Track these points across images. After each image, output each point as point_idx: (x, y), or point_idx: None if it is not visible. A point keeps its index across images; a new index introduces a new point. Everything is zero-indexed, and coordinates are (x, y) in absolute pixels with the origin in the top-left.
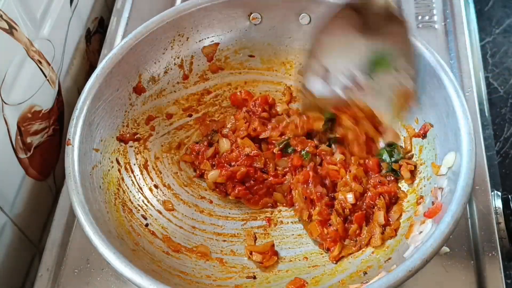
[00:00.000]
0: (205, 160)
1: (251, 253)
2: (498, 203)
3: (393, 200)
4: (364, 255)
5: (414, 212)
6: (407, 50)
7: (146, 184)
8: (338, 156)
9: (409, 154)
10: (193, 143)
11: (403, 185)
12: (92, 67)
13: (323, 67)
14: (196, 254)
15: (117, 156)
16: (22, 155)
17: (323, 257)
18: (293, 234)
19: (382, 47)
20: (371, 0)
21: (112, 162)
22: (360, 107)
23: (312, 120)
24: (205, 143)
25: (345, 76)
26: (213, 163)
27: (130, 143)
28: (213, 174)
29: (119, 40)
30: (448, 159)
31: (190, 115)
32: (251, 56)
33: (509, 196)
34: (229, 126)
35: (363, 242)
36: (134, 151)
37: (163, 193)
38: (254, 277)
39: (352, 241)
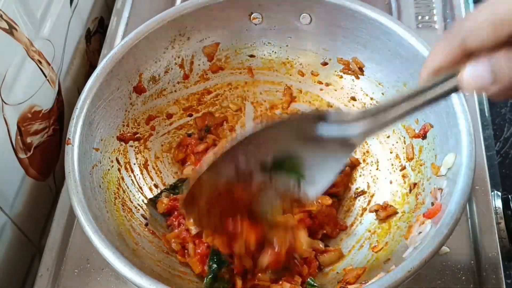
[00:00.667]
0: (191, 154)
1: None
2: (498, 203)
3: None
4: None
5: None
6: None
7: (146, 184)
8: None
9: None
10: (185, 135)
11: None
12: (92, 67)
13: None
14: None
15: (117, 155)
16: (22, 155)
17: None
18: None
19: (309, 156)
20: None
21: (112, 161)
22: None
23: None
24: (196, 136)
25: (247, 164)
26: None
27: (130, 142)
28: (187, 170)
29: (119, 40)
30: (448, 160)
31: (191, 115)
32: (251, 56)
33: (509, 196)
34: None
35: None
36: (134, 150)
37: None
38: None
39: None
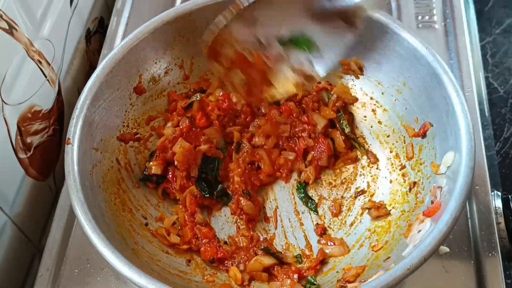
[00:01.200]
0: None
1: None
2: (498, 203)
3: None
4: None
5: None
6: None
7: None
8: None
9: None
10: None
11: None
12: (92, 67)
13: (254, 16)
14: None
15: (117, 155)
16: (22, 155)
17: None
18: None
19: (317, 32)
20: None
21: (112, 161)
22: (263, 66)
23: None
24: (184, 95)
25: (265, 37)
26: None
27: (130, 143)
28: (167, 130)
29: (119, 40)
30: (448, 159)
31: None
32: None
33: (509, 196)
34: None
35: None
36: (134, 151)
37: None
38: None
39: None
